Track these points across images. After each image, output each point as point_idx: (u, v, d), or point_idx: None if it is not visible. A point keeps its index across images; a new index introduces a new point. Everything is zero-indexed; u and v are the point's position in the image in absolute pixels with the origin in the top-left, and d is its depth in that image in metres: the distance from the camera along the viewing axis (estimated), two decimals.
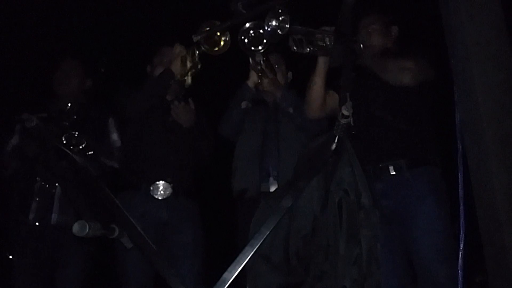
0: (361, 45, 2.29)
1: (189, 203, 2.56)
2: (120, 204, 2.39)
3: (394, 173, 2.20)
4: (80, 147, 2.22)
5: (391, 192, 2.18)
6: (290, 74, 2.94)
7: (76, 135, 2.23)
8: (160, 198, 2.46)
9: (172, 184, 2.48)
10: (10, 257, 2.37)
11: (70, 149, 1.83)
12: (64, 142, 2.15)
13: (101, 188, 1.47)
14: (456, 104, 1.59)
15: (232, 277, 1.40)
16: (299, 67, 2.79)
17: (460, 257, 1.52)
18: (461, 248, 1.52)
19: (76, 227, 1.16)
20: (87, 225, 1.15)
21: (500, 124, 1.85)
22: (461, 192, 1.55)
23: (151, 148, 2.53)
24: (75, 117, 2.46)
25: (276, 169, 2.55)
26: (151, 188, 2.46)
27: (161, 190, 2.47)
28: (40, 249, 2.42)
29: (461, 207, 1.55)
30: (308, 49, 2.21)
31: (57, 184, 2.37)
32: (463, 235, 1.51)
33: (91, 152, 2.32)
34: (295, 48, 2.22)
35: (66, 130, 2.24)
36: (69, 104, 2.48)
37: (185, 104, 2.57)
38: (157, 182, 2.47)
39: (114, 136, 2.66)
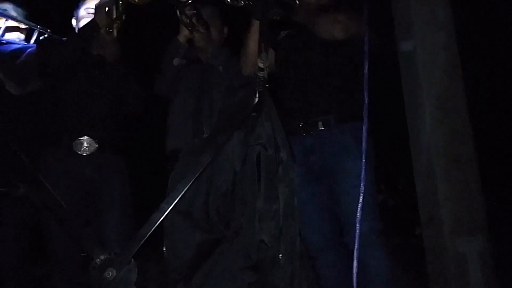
0: (297, 1, 2.24)
1: (116, 160, 2.46)
2: (42, 161, 2.33)
3: (322, 128, 2.20)
4: None
5: (319, 148, 2.19)
6: (226, 29, 2.84)
7: None
8: (84, 154, 2.34)
9: (97, 140, 2.37)
10: None
11: None
12: None
13: (6, 145, 1.36)
14: (365, 54, 1.59)
15: (146, 234, 1.35)
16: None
17: (358, 210, 1.54)
18: (360, 201, 1.54)
19: None
20: None
21: (437, 85, 1.90)
22: (364, 145, 1.56)
23: (74, 101, 2.38)
24: None
25: (210, 128, 2.49)
26: (74, 143, 2.34)
27: (85, 145, 2.34)
28: None
29: (363, 160, 1.57)
30: (242, 2, 2.12)
31: None
32: (363, 187, 1.53)
33: None
34: (228, 0, 2.12)
35: None
36: None
37: (108, 33, 2.38)
38: (81, 138, 2.34)
39: None
